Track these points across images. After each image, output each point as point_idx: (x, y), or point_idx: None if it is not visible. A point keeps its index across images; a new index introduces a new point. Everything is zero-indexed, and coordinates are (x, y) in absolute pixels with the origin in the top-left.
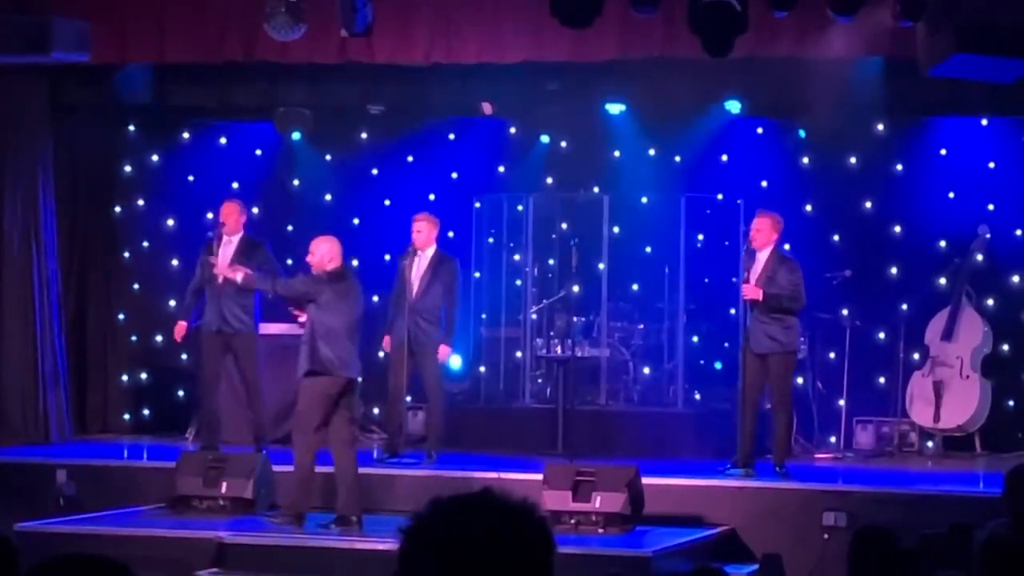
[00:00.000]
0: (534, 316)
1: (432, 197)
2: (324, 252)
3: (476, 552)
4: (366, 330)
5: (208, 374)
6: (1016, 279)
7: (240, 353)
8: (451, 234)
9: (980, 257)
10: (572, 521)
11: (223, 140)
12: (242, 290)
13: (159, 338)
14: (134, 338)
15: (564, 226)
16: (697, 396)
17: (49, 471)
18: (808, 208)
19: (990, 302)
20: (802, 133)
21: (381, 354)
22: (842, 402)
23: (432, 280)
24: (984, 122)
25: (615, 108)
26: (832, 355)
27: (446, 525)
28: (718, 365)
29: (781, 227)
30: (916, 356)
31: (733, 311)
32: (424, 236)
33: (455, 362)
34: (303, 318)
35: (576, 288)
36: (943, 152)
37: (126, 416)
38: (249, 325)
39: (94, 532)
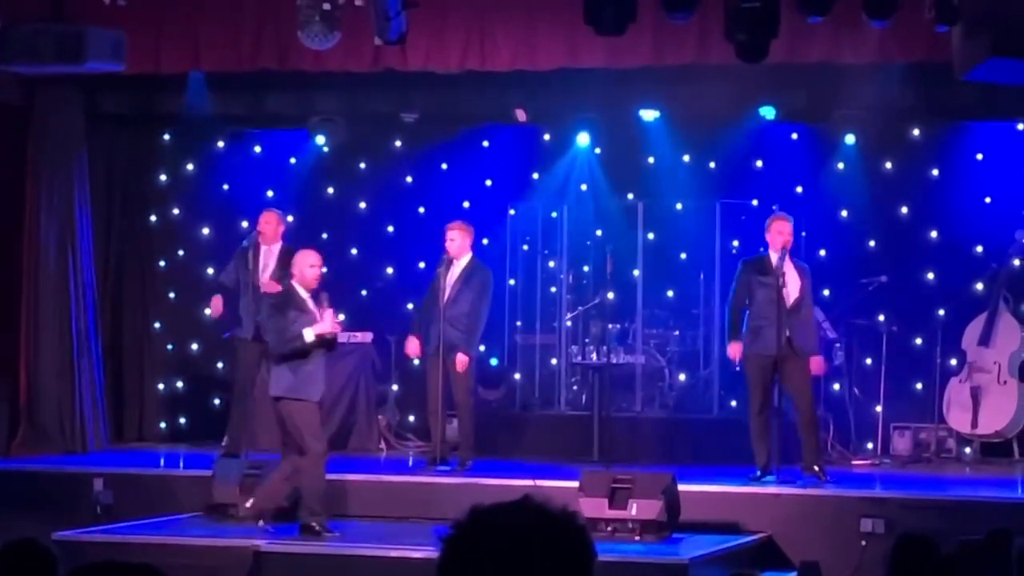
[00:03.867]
0: (569, 323)
1: (466, 204)
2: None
3: (516, 560)
4: (404, 337)
5: (243, 381)
6: None
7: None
8: (485, 241)
9: (1017, 262)
10: (608, 528)
11: (257, 149)
12: None
13: (195, 346)
14: (170, 346)
15: (599, 233)
16: (733, 403)
17: (86, 480)
18: (843, 214)
19: None
20: (849, 139)
21: (416, 362)
22: (879, 408)
23: (463, 288)
24: (1020, 126)
25: (649, 115)
26: (869, 361)
27: (486, 533)
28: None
29: None
30: (953, 362)
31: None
32: (457, 244)
33: (491, 361)
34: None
35: (611, 295)
36: (979, 157)
37: (162, 424)
38: None
39: (131, 540)
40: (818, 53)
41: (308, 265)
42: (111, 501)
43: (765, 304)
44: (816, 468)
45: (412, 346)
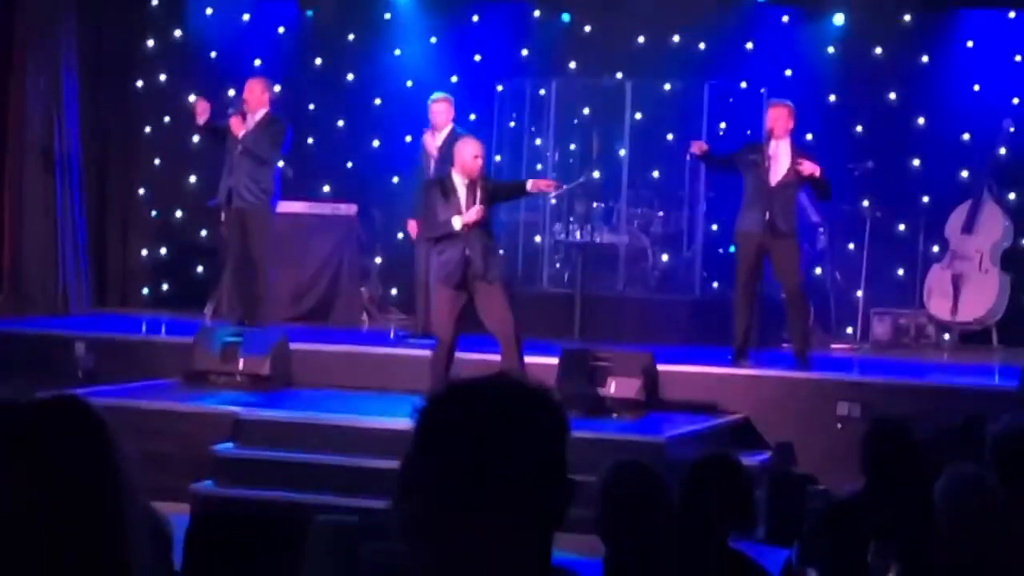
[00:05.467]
0: (554, 201)
1: (454, 79)
2: None
3: (490, 432)
4: (388, 211)
5: (232, 249)
6: None
7: (250, 227)
8: (472, 117)
9: (1003, 151)
10: (586, 406)
11: (246, 16)
12: (257, 165)
13: (179, 213)
14: (154, 213)
15: (586, 112)
16: (715, 284)
17: (68, 343)
18: (832, 98)
19: (1012, 196)
20: (838, 19)
21: (400, 235)
22: (860, 293)
23: (450, 155)
24: (1011, 15)
25: None
26: (851, 246)
27: (460, 406)
28: (733, 248)
29: (795, 115)
30: (936, 249)
31: None
32: (444, 117)
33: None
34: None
35: (596, 174)
36: (969, 44)
37: (145, 290)
38: (262, 200)
39: (111, 404)
40: None
41: (472, 156)
42: (92, 365)
43: (752, 184)
44: (799, 353)
45: (413, 228)
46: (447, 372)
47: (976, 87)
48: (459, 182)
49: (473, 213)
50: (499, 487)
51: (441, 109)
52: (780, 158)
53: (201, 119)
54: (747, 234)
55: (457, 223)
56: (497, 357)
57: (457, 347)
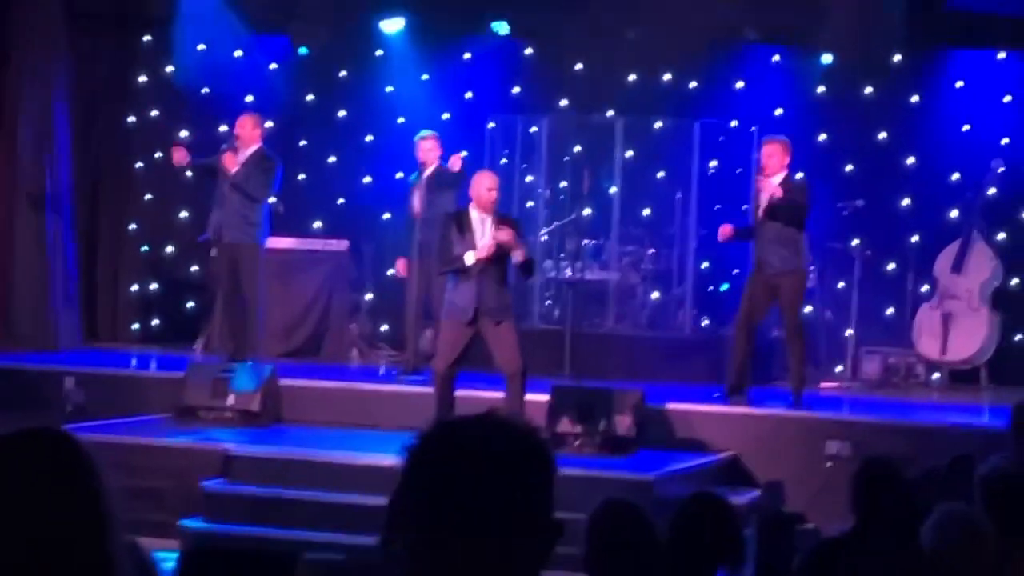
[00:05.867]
0: (545, 238)
1: (446, 116)
2: None
3: (477, 472)
4: (379, 247)
5: (223, 286)
6: None
7: (240, 263)
8: (464, 154)
9: (993, 191)
10: (576, 443)
11: (238, 53)
12: (247, 201)
13: (170, 248)
14: (145, 248)
15: (577, 149)
16: (705, 322)
17: (57, 378)
18: (822, 137)
19: (1001, 236)
20: (827, 58)
21: (390, 272)
22: (850, 332)
23: (435, 193)
24: (1001, 55)
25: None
26: (841, 285)
27: (448, 444)
28: (725, 286)
29: (791, 152)
30: (925, 288)
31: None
32: (431, 155)
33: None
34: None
35: (587, 211)
36: (959, 84)
37: (135, 326)
38: (252, 236)
39: (101, 440)
40: None
41: (486, 188)
42: (82, 400)
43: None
44: (795, 392)
45: (402, 266)
46: (441, 410)
47: (966, 127)
48: (476, 217)
49: (484, 249)
50: (485, 526)
51: (428, 147)
52: (765, 195)
53: (184, 163)
54: (753, 272)
55: (470, 258)
56: (491, 395)
57: (455, 384)
